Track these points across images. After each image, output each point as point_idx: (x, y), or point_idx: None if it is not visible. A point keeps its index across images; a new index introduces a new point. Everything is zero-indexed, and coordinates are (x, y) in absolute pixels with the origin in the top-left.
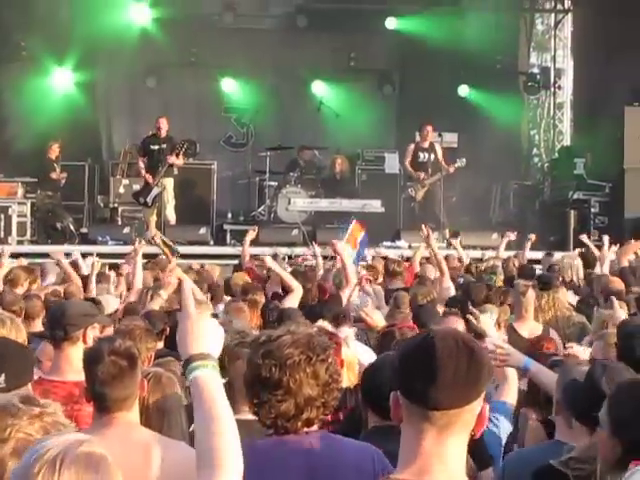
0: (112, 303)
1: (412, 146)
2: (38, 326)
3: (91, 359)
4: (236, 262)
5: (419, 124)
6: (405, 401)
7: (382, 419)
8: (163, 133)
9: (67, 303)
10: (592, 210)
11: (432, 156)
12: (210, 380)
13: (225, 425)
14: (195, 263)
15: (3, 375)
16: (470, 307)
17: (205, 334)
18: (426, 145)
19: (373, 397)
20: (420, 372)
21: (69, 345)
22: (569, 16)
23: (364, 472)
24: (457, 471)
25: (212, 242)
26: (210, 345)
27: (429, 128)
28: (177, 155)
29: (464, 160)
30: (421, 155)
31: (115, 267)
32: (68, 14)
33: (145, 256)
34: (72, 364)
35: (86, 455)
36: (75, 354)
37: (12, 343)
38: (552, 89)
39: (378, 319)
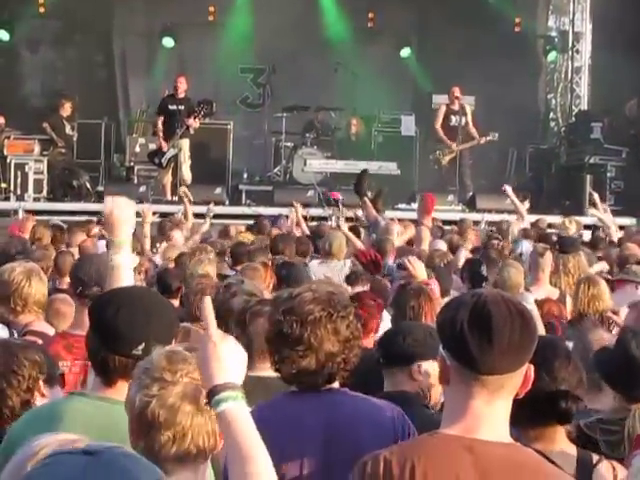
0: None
1: (443, 108)
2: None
3: None
4: (251, 222)
5: (448, 87)
6: (455, 364)
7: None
8: (181, 93)
9: (97, 259)
10: (608, 175)
11: (463, 119)
12: (240, 413)
13: (260, 464)
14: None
15: (143, 344)
16: None
17: (230, 360)
18: (456, 107)
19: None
20: (475, 338)
21: None
22: None
23: (383, 429)
24: (503, 431)
25: (227, 202)
26: (236, 373)
27: (456, 89)
28: (195, 118)
29: (496, 135)
30: (453, 118)
31: None
32: None
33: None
34: None
35: None
36: None
37: (159, 301)
38: (570, 53)
39: (420, 270)
